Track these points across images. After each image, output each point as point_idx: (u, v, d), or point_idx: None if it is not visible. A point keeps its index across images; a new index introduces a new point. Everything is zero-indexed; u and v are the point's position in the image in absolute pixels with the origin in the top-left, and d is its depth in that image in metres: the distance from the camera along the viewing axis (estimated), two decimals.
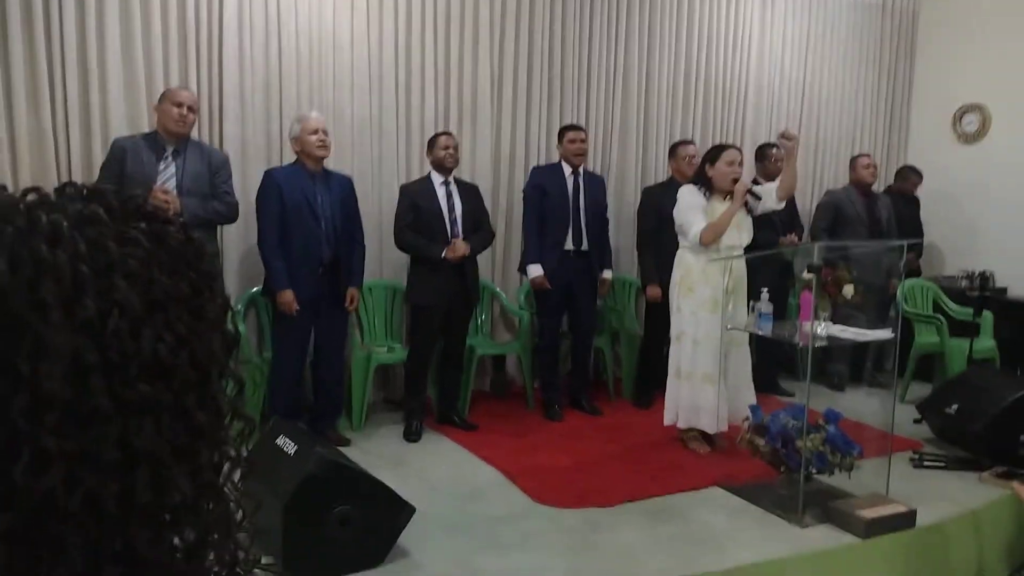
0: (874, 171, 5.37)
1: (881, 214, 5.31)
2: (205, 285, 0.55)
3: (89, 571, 0.47)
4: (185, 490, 0.51)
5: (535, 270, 4.31)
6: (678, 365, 3.87)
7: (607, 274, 4.62)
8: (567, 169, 4.42)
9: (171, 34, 3.86)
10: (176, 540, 0.52)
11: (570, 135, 4.41)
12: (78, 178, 3.69)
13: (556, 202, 4.34)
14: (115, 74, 3.72)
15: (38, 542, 0.46)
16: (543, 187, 4.36)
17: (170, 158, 3.46)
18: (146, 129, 3.64)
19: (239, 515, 0.57)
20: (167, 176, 3.43)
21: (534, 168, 4.60)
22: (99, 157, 3.63)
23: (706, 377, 3.76)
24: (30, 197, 0.51)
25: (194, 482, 0.52)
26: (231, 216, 3.65)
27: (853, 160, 5.42)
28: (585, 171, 4.51)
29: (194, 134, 3.88)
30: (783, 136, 3.76)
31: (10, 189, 0.53)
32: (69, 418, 0.46)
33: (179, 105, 3.43)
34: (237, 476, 0.58)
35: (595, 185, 4.54)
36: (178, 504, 0.51)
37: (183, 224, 0.56)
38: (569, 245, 4.36)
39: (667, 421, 3.92)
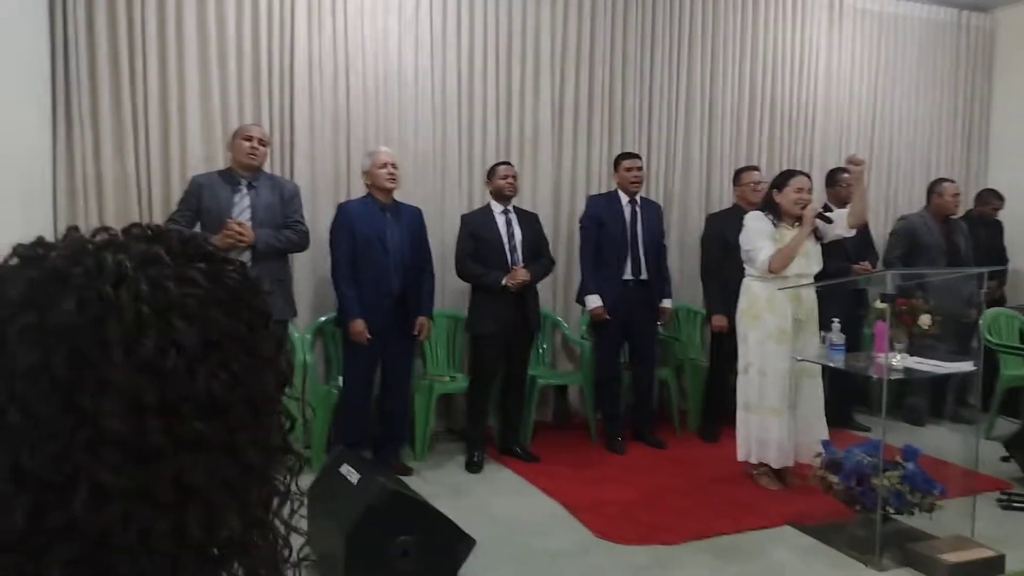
0: (959, 199, 5.14)
1: (959, 241, 5.08)
2: (260, 323, 0.56)
3: None
4: (234, 526, 0.52)
5: (594, 301, 4.28)
6: (746, 398, 3.77)
7: (667, 303, 4.55)
8: (624, 198, 4.40)
9: (245, 76, 4.05)
10: (224, 575, 0.53)
11: (626, 163, 4.39)
12: (157, 217, 3.89)
13: (614, 231, 4.32)
14: (193, 116, 3.91)
15: (94, 572, 0.47)
16: (600, 217, 4.34)
17: (244, 190, 3.59)
18: (221, 167, 3.80)
19: (287, 551, 0.58)
20: (242, 208, 3.56)
21: (590, 197, 4.58)
22: (177, 195, 3.81)
23: (772, 410, 3.65)
24: (99, 237, 0.54)
25: (243, 518, 0.52)
26: (303, 244, 3.76)
27: (936, 185, 5.16)
28: (642, 199, 4.48)
29: (266, 168, 4.05)
30: (850, 162, 3.66)
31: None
32: (127, 455, 0.47)
33: (249, 139, 3.58)
34: (287, 511, 0.59)
35: (652, 213, 4.50)
36: (227, 540, 0.52)
37: (241, 264, 0.58)
38: (628, 275, 4.33)
39: (740, 456, 3.80)
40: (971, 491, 3.22)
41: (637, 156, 4.49)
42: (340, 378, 3.99)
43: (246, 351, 0.54)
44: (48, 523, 0.47)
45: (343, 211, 3.81)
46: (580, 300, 4.46)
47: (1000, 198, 5.45)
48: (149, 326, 0.49)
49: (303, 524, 0.64)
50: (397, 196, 4.07)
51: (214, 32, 3.95)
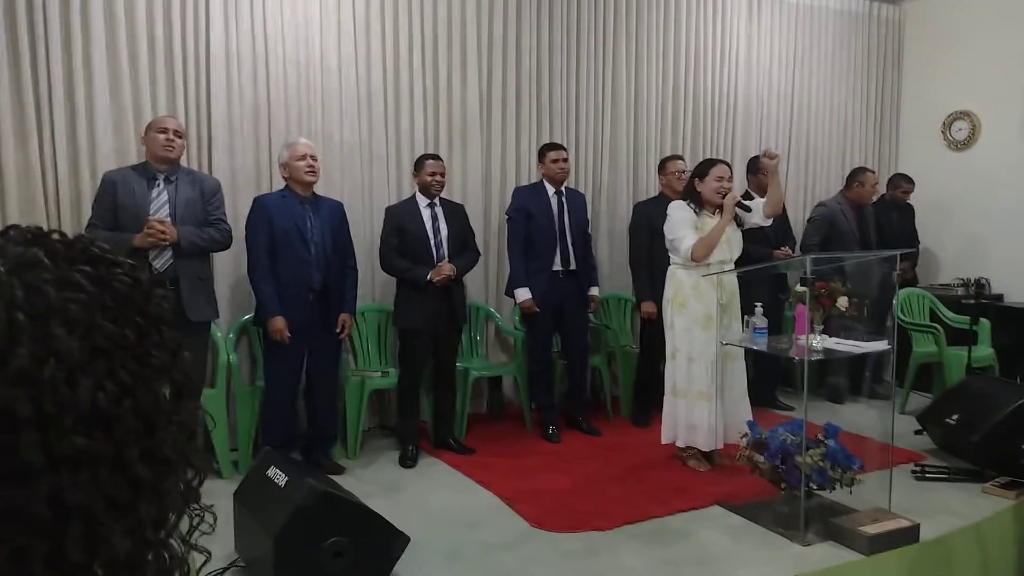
0: (876, 189, 5.36)
1: (868, 228, 5.30)
2: (153, 330, 0.53)
3: None
4: (120, 547, 0.48)
5: (523, 294, 4.29)
6: (674, 382, 3.85)
7: (594, 291, 4.60)
8: (550, 189, 4.40)
9: (158, 66, 3.87)
10: None
11: (552, 155, 4.39)
12: (67, 212, 3.70)
13: (542, 223, 4.32)
14: (102, 107, 3.72)
15: None
16: (527, 209, 4.33)
17: (161, 185, 3.44)
18: (135, 161, 3.63)
19: (184, 568, 0.55)
20: (160, 204, 3.42)
21: (517, 189, 4.55)
22: (87, 190, 3.63)
23: (701, 394, 3.74)
24: None
25: (132, 538, 0.49)
26: (226, 243, 3.63)
27: (859, 174, 5.33)
28: (567, 189, 4.49)
29: (184, 163, 3.89)
30: (765, 155, 3.77)
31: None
32: None
33: (164, 131, 3.42)
34: (186, 527, 0.55)
35: (578, 202, 4.53)
36: (112, 561, 0.48)
37: (132, 266, 0.54)
38: (558, 265, 4.34)
39: (665, 439, 3.88)
40: (888, 464, 3.36)
41: (563, 147, 4.49)
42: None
43: (136, 359, 0.50)
44: None
45: (259, 204, 3.68)
46: (509, 293, 4.45)
47: (910, 182, 5.70)
48: (23, 333, 0.45)
49: (212, 538, 0.60)
50: (323, 188, 3.98)
51: (123, 17, 3.75)
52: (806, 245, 5.25)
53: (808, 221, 5.46)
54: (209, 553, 0.59)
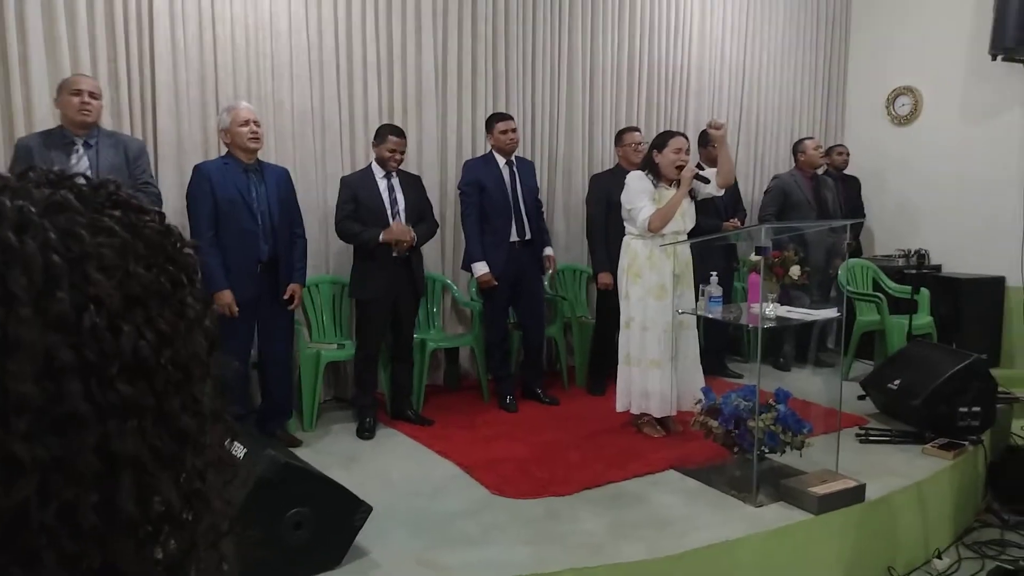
0: (821, 151, 5.51)
1: (827, 195, 5.44)
2: (186, 279, 0.51)
3: None
4: (170, 499, 0.47)
5: (480, 268, 4.26)
6: (627, 351, 3.90)
7: (548, 251, 4.58)
8: (501, 160, 4.36)
9: (97, 26, 3.68)
10: (159, 552, 0.48)
11: (501, 125, 4.33)
12: None
13: (496, 195, 4.29)
14: (39, 71, 3.52)
15: (10, 558, 0.42)
16: (480, 182, 4.29)
17: (81, 150, 3.24)
18: None
19: (225, 524, 0.53)
20: (81, 170, 3.23)
21: (467, 162, 4.48)
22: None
23: (653, 362, 3.80)
24: None
25: (179, 490, 0.48)
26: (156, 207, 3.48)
27: (799, 144, 5.51)
28: (517, 158, 4.45)
29: (126, 129, 3.74)
30: (711, 126, 3.82)
31: None
32: (42, 423, 0.42)
33: (78, 93, 3.20)
34: (222, 481, 0.54)
35: (528, 171, 4.50)
36: (162, 514, 0.47)
37: (160, 213, 0.52)
38: (514, 236, 4.33)
39: (619, 407, 3.95)
40: (835, 428, 3.48)
41: (511, 117, 4.44)
42: None
43: (172, 309, 0.48)
44: None
45: (200, 173, 3.51)
46: (466, 267, 4.42)
47: (844, 147, 5.94)
48: (62, 277, 0.43)
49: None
50: (274, 156, 3.88)
51: None
52: (762, 216, 5.37)
53: (764, 193, 5.59)
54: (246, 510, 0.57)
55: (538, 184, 4.65)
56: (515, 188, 4.35)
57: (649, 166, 3.89)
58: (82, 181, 0.50)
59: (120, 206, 0.49)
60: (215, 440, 0.52)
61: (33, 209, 0.45)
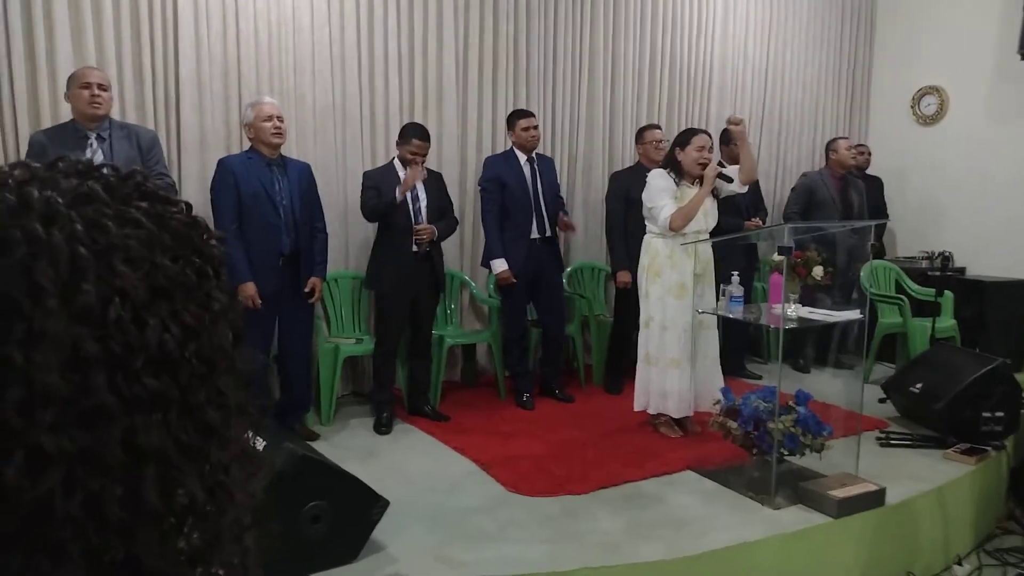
0: (853, 152, 5.45)
1: (854, 198, 5.39)
2: (211, 271, 0.50)
3: None
4: (194, 492, 0.47)
5: (499, 265, 4.26)
6: (647, 351, 3.88)
7: (563, 214, 4.59)
8: (522, 156, 4.36)
9: (123, 22, 3.72)
10: (183, 543, 0.49)
11: (523, 122, 4.33)
12: None
13: (517, 192, 4.29)
14: (65, 64, 3.55)
15: (35, 549, 0.42)
16: (501, 178, 4.29)
17: (95, 144, 3.26)
18: None
19: (248, 517, 0.53)
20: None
21: (488, 159, 4.48)
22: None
23: (672, 361, 3.77)
24: (18, 172, 0.46)
25: (203, 483, 0.48)
26: None
27: (832, 143, 5.47)
28: (537, 155, 4.45)
29: (150, 123, 3.77)
30: (730, 122, 3.78)
31: None
32: (67, 415, 0.42)
33: (87, 86, 3.21)
34: (247, 475, 0.54)
35: (548, 168, 4.51)
36: (187, 506, 0.47)
37: (187, 204, 0.52)
38: (535, 233, 4.33)
39: (637, 407, 3.92)
40: (855, 431, 3.45)
41: (532, 114, 4.44)
42: None
43: (197, 302, 0.48)
44: None
45: (224, 167, 3.55)
46: (486, 264, 4.42)
47: (866, 147, 5.87)
48: (88, 269, 0.43)
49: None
50: (295, 150, 3.90)
51: None
52: (786, 214, 5.34)
53: (791, 191, 5.55)
54: (269, 503, 0.58)
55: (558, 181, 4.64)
56: (536, 185, 4.34)
57: (671, 164, 3.86)
58: (109, 172, 0.50)
59: (147, 197, 0.49)
60: (239, 433, 0.52)
61: (60, 200, 0.45)
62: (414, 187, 4.00)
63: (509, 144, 4.46)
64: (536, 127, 4.36)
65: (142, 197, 0.49)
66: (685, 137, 3.84)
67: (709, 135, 3.90)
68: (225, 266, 0.53)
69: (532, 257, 4.31)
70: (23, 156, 3.41)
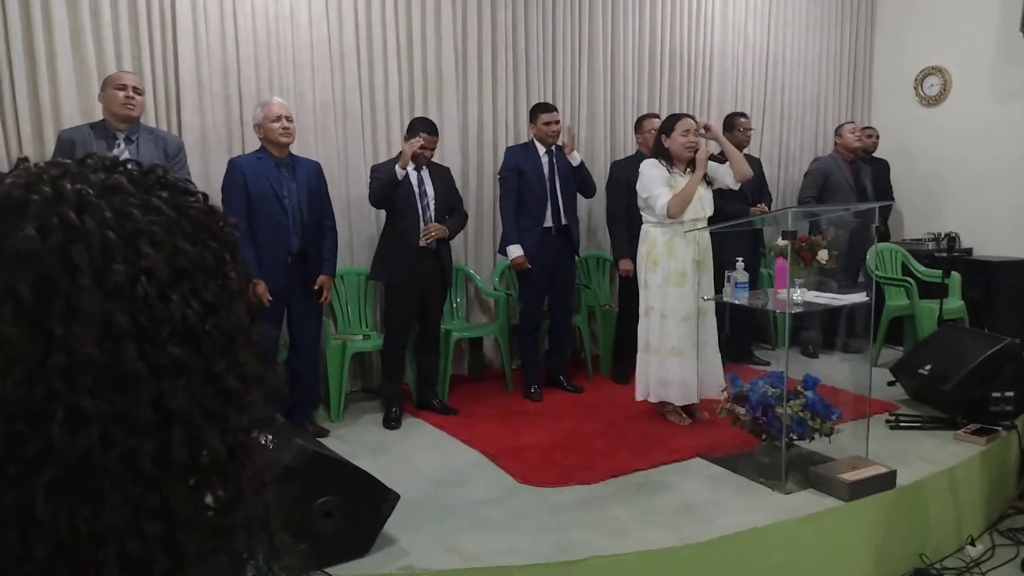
0: (860, 136, 5.43)
1: (866, 181, 5.38)
2: (228, 254, 0.56)
3: (129, 526, 0.49)
4: (217, 449, 0.52)
5: (515, 251, 4.29)
6: (647, 340, 3.88)
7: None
8: (541, 148, 4.39)
9: (121, 21, 3.72)
10: (209, 498, 0.54)
11: (544, 116, 4.37)
12: None
13: (533, 182, 4.33)
14: (65, 65, 3.57)
15: (79, 497, 0.48)
16: (519, 167, 4.33)
17: (123, 144, 3.33)
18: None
19: (270, 474, 0.59)
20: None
21: (508, 149, 4.54)
22: (51, 152, 3.49)
23: (673, 350, 3.77)
24: (53, 170, 0.52)
25: (225, 443, 0.53)
26: None
27: (839, 128, 5.49)
28: (557, 148, 4.47)
29: (151, 123, 3.77)
30: (700, 132, 3.78)
31: None
32: (103, 380, 0.48)
33: (123, 88, 3.30)
34: (265, 439, 0.60)
35: (567, 161, 4.51)
36: (211, 463, 0.53)
37: (203, 194, 0.57)
38: (549, 222, 4.36)
39: (638, 396, 3.92)
40: (864, 414, 3.44)
41: (554, 108, 4.47)
42: None
43: (216, 281, 0.54)
44: (26, 450, 0.47)
45: (234, 166, 3.60)
46: (502, 250, 4.46)
47: (875, 130, 5.83)
48: (117, 252, 0.49)
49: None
50: (297, 147, 3.89)
51: None
52: (802, 199, 5.35)
53: (804, 175, 5.54)
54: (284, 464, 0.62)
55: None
56: (553, 176, 4.38)
57: (661, 152, 3.85)
58: (133, 166, 0.55)
59: (168, 188, 0.55)
60: (257, 400, 0.57)
61: (91, 191, 0.50)
62: (422, 182, 4.01)
63: (531, 136, 4.49)
64: (558, 122, 4.40)
65: (163, 188, 0.54)
66: (669, 124, 3.85)
67: (693, 118, 3.90)
68: (239, 250, 0.58)
69: (546, 246, 4.34)
70: (25, 157, 3.42)
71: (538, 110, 4.44)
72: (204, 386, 0.51)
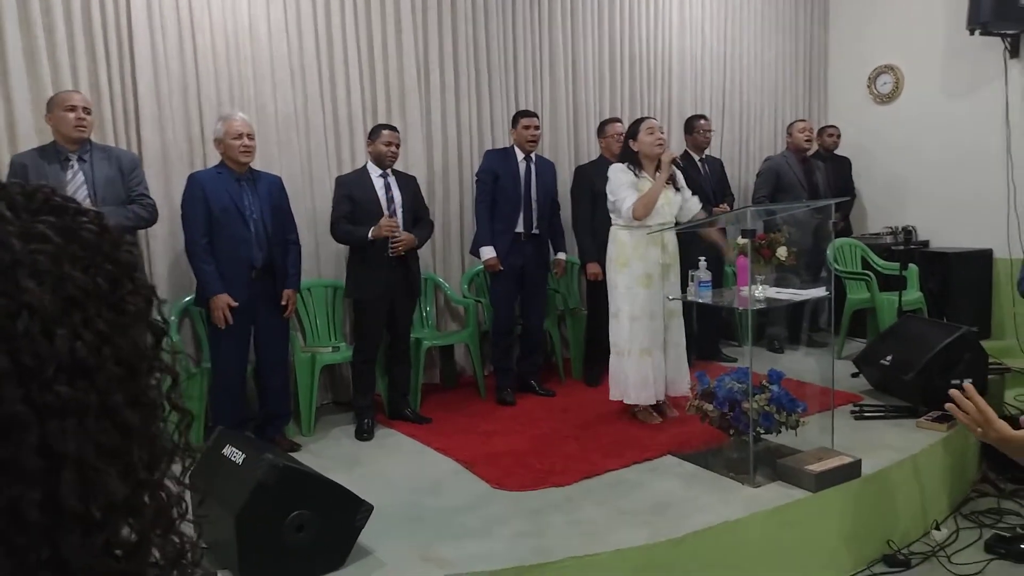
0: (810, 135, 5.53)
1: (818, 179, 5.48)
2: (125, 277, 0.52)
3: None
4: (116, 490, 0.49)
5: (488, 252, 4.35)
6: (617, 341, 3.92)
7: (561, 256, 4.73)
8: (519, 154, 4.46)
9: (77, 38, 3.67)
10: (114, 540, 0.50)
11: (524, 121, 4.45)
12: None
13: (507, 186, 4.39)
14: (19, 85, 3.50)
15: None
16: (495, 171, 4.40)
17: (75, 165, 3.28)
18: None
19: (182, 507, 0.55)
20: (76, 185, 3.26)
21: (487, 152, 4.63)
22: (7, 174, 3.44)
23: (644, 351, 3.83)
24: None
25: (126, 481, 0.50)
26: (152, 219, 3.53)
27: (790, 126, 5.57)
28: (537, 157, 4.55)
29: (111, 141, 3.73)
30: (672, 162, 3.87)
31: None
32: None
33: (72, 109, 3.25)
34: (180, 469, 0.56)
35: (547, 170, 4.62)
36: (109, 505, 0.49)
37: (98, 214, 0.53)
38: (520, 228, 4.41)
39: (613, 397, 3.97)
40: (829, 406, 3.52)
41: (535, 114, 4.55)
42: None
43: (111, 307, 0.50)
44: None
45: (194, 181, 3.58)
46: (474, 252, 4.51)
47: (835, 128, 5.95)
48: None
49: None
50: (260, 161, 3.88)
51: None
52: (755, 198, 5.42)
53: (757, 175, 5.62)
54: (205, 491, 0.60)
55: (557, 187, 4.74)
56: (528, 183, 4.45)
57: (629, 156, 3.92)
58: (17, 189, 0.51)
59: (55, 211, 0.51)
60: (164, 431, 0.54)
61: None
62: (388, 188, 4.02)
63: (511, 142, 4.56)
64: (537, 127, 4.48)
65: (51, 211, 0.50)
66: (634, 128, 3.94)
67: (654, 119, 3.99)
68: (139, 270, 0.54)
69: (516, 251, 4.38)
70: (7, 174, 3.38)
71: (520, 115, 4.53)
72: (99, 422, 0.48)
